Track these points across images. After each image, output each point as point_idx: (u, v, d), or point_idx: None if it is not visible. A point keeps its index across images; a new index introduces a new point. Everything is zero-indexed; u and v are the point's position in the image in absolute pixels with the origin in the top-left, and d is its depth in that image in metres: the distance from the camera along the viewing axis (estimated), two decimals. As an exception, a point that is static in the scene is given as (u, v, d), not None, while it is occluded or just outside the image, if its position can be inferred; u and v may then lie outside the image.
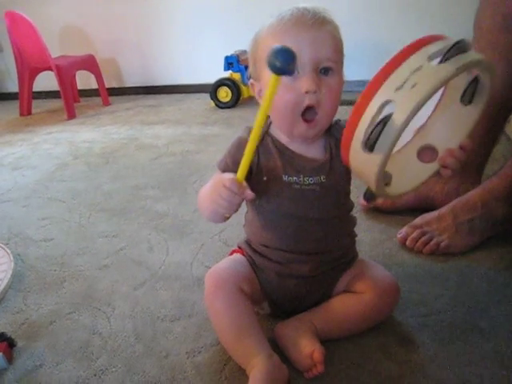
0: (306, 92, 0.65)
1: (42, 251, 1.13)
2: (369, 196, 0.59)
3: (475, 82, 0.58)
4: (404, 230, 1.01)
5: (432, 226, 0.99)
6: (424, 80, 0.48)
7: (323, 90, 0.66)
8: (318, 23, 0.66)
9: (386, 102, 0.50)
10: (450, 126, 0.60)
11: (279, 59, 0.52)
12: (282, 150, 0.73)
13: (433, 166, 0.63)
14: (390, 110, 0.50)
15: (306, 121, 0.68)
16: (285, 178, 0.72)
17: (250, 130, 0.75)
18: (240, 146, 0.73)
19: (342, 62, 0.71)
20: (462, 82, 0.59)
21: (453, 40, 0.51)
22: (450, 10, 2.41)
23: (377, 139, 0.50)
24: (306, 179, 0.72)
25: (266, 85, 0.71)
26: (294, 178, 0.72)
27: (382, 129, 0.49)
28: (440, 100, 0.62)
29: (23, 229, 1.26)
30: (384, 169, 0.52)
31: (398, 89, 0.49)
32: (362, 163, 0.54)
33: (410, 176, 0.64)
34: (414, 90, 0.48)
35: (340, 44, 0.70)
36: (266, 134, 0.75)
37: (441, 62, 0.49)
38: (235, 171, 0.71)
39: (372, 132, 0.50)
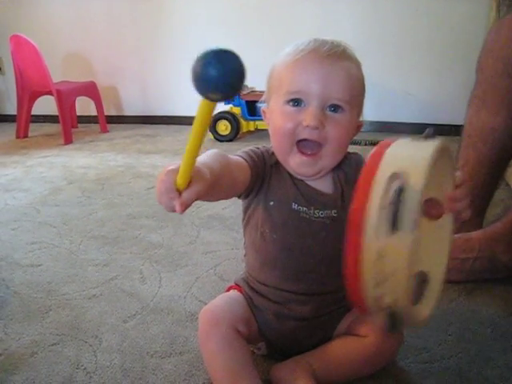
0: (307, 126, 0.63)
1: (29, 277, 1.08)
2: (392, 324, 0.43)
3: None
4: None
5: None
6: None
7: (328, 127, 0.64)
8: (333, 57, 0.63)
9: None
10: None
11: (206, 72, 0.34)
12: (295, 178, 0.71)
13: (446, 224, 0.54)
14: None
15: (303, 153, 0.66)
16: (294, 206, 0.69)
17: (266, 148, 0.72)
18: (257, 151, 0.71)
19: (357, 102, 0.67)
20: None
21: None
22: (454, 51, 2.50)
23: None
24: (316, 212, 0.69)
25: (272, 112, 0.69)
26: (304, 208, 0.69)
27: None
28: None
29: (10, 253, 1.21)
30: (416, 246, 0.42)
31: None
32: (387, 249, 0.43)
33: (437, 259, 0.53)
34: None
35: (357, 83, 0.66)
36: None
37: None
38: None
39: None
